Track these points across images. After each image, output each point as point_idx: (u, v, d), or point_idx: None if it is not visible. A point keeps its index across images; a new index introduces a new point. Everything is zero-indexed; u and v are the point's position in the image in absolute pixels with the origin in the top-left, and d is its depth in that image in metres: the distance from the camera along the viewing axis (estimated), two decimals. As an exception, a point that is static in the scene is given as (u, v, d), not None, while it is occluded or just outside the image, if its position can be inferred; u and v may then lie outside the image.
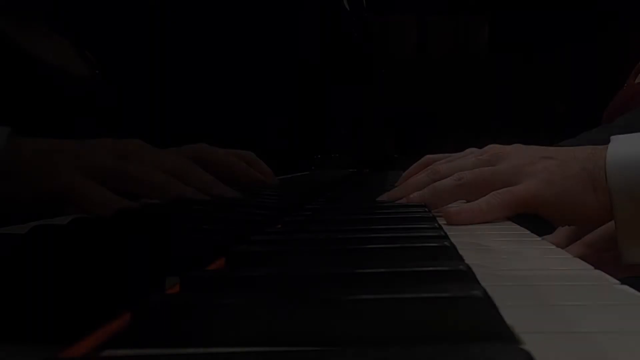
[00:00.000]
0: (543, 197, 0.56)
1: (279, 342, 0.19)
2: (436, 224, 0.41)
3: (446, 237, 0.36)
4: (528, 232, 0.50)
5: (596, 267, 0.33)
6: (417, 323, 0.19)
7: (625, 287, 0.28)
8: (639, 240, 0.53)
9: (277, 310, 0.20)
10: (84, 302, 0.22)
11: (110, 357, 0.19)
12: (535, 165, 0.57)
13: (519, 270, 0.33)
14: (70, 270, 0.26)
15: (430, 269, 0.25)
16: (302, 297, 0.21)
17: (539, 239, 0.46)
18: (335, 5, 1.80)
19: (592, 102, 1.20)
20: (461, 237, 0.45)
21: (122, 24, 1.30)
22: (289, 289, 0.23)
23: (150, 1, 1.33)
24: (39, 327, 0.21)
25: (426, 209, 0.54)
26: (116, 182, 0.48)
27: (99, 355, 0.19)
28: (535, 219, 0.57)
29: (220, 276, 0.27)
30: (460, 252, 0.32)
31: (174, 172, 0.51)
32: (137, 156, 0.51)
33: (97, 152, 0.49)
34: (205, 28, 1.41)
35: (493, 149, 0.64)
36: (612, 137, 0.57)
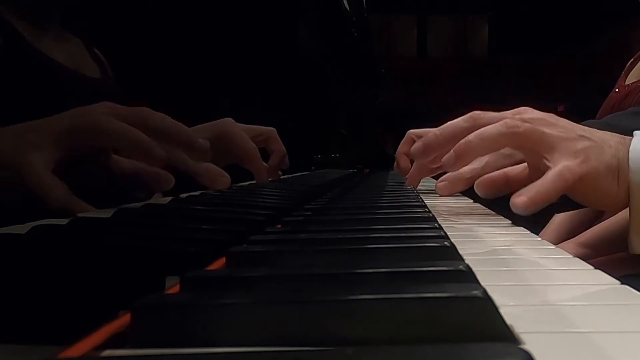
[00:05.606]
0: (580, 175, 0.56)
1: (279, 342, 0.19)
2: (436, 224, 0.41)
3: (446, 237, 0.36)
4: (525, 230, 0.50)
5: (596, 267, 0.33)
6: (417, 323, 0.19)
7: (625, 287, 0.28)
8: None
9: (277, 310, 0.20)
10: (83, 302, 0.22)
11: (110, 357, 0.19)
12: (575, 143, 0.57)
13: (518, 270, 0.33)
14: (70, 270, 0.26)
15: (430, 269, 0.25)
16: (302, 297, 0.21)
17: (538, 238, 0.46)
18: (335, 5, 1.80)
19: (591, 102, 1.20)
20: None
21: (130, 25, 1.31)
22: (289, 289, 0.23)
23: (154, 2, 1.34)
24: (39, 327, 0.21)
25: (426, 209, 0.54)
26: (89, 139, 0.51)
27: (99, 355, 0.19)
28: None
29: (220, 276, 0.27)
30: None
31: (145, 128, 0.52)
32: (110, 113, 0.52)
33: (59, 122, 0.51)
34: (206, 28, 1.41)
35: (527, 112, 0.62)
36: (635, 132, 0.58)
